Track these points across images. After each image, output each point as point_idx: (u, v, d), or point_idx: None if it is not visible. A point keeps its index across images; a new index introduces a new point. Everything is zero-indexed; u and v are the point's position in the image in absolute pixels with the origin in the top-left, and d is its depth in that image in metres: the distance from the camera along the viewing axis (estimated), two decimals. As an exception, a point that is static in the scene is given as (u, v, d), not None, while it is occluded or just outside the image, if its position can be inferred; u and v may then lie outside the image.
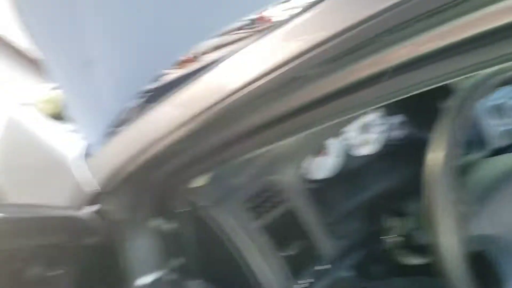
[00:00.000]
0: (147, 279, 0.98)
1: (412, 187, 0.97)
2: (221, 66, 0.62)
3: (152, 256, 0.97)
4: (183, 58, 1.40)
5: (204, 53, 1.43)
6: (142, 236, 0.95)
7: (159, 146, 0.72)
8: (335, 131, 1.03)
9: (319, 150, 1.07)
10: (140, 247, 0.95)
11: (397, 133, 1.24)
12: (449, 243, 0.72)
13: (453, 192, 0.73)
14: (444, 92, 1.20)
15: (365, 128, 1.17)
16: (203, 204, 0.89)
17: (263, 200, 0.92)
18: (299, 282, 0.89)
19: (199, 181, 0.90)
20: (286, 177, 0.95)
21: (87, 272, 0.83)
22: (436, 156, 0.74)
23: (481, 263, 0.78)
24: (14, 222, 0.65)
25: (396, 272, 1.07)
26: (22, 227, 0.67)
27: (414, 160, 1.17)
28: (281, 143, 0.71)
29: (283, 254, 0.88)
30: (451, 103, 0.79)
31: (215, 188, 0.90)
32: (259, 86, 0.56)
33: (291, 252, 0.89)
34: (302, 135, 0.73)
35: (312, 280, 0.91)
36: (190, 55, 1.43)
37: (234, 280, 0.95)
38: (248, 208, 0.90)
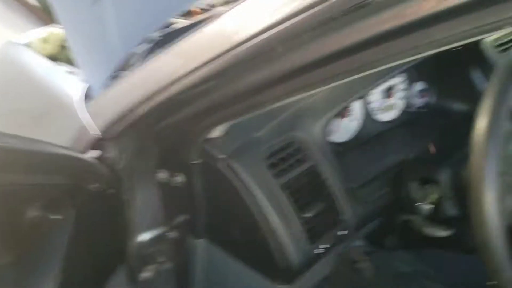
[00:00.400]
0: (149, 234, 0.92)
1: (438, 156, 0.92)
2: (229, 15, 0.58)
3: (156, 210, 0.92)
4: (193, 8, 1.34)
5: (215, 5, 1.38)
6: (147, 187, 0.90)
7: (166, 95, 0.67)
8: (361, 91, 0.96)
9: (343, 111, 1.00)
10: (144, 199, 0.90)
11: (421, 100, 1.18)
12: (491, 214, 0.67)
13: (499, 161, 0.67)
14: (468, 61, 1.15)
15: (388, 93, 1.11)
16: (219, 156, 0.82)
17: (284, 157, 0.85)
18: (316, 246, 0.83)
19: (217, 132, 0.83)
20: (310, 135, 0.88)
21: (87, 219, 0.76)
22: (484, 124, 0.68)
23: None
24: (14, 154, 0.57)
25: (415, 244, 1.02)
26: (23, 161, 0.59)
27: (437, 128, 1.13)
28: (294, 98, 0.66)
29: (301, 216, 0.82)
30: (500, 69, 0.72)
31: (233, 140, 0.83)
32: (267, 38, 0.52)
33: (309, 214, 0.82)
34: (323, 90, 0.67)
35: (328, 245, 0.85)
36: (200, 6, 1.38)
37: (244, 241, 0.88)
38: (268, 164, 0.83)
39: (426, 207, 0.81)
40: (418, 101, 1.17)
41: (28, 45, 1.21)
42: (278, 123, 0.87)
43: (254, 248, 0.87)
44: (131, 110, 0.73)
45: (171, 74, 0.65)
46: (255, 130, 0.85)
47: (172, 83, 0.65)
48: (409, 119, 1.14)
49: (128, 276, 0.91)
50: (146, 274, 0.92)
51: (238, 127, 0.83)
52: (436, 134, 1.08)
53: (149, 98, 0.70)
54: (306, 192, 0.84)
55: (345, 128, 1.04)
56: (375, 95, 1.09)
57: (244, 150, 0.82)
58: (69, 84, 0.99)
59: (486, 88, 0.70)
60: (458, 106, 1.15)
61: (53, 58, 1.18)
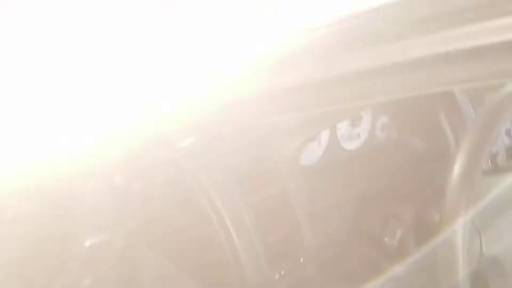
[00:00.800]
0: (93, 239, 0.86)
1: (399, 192, 0.92)
2: None
3: (107, 216, 0.85)
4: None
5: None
6: (99, 191, 0.83)
7: None
8: (340, 117, 0.94)
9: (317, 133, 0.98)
10: (95, 203, 0.83)
11: (383, 134, 1.19)
12: (460, 258, 0.67)
13: (472, 206, 0.68)
14: (434, 101, 1.17)
15: (355, 122, 1.10)
16: (186, 167, 0.77)
17: (254, 176, 0.81)
18: (275, 271, 0.80)
19: (186, 141, 0.79)
20: (284, 155, 0.85)
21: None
22: (462, 170, 0.68)
23: (477, 282, 0.74)
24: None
25: (372, 277, 1.02)
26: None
27: (399, 163, 1.13)
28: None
29: (264, 239, 0.78)
30: (481, 113, 0.74)
31: (203, 151, 0.79)
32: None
33: (273, 238, 0.79)
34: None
35: (287, 271, 0.82)
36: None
37: (200, 259, 0.84)
38: (237, 181, 0.79)
39: (387, 243, 0.80)
40: (380, 134, 1.18)
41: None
42: (252, 140, 0.83)
43: (210, 268, 0.82)
44: None
45: None
46: (227, 143, 0.81)
47: None
48: (372, 151, 1.14)
49: (69, 284, 0.85)
50: (87, 281, 0.86)
51: (210, 139, 0.80)
52: (397, 169, 1.09)
53: None
54: (273, 214, 0.81)
55: (312, 152, 1.02)
56: (344, 122, 1.08)
57: (214, 163, 0.78)
58: None
59: (468, 132, 0.71)
60: (419, 143, 1.17)
61: None
